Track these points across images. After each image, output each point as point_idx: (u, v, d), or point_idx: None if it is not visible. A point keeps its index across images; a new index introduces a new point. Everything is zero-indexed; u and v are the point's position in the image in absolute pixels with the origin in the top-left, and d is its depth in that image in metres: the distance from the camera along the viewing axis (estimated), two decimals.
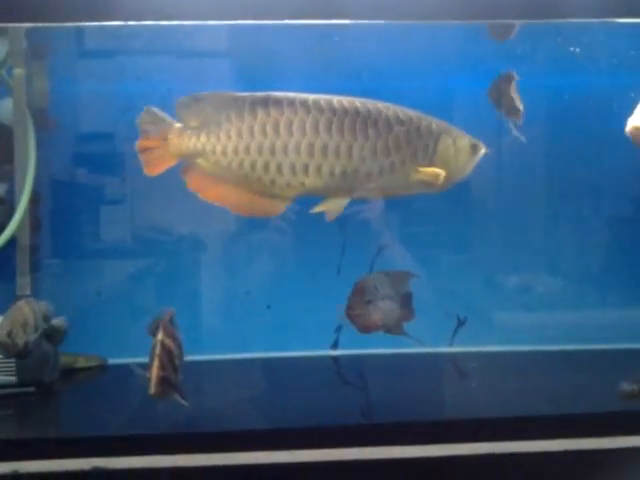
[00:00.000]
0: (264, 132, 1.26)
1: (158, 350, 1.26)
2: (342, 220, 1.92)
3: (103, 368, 1.83)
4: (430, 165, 1.33)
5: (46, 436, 1.37)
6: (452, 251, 2.03)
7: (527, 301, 2.04)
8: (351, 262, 1.76)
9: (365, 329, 1.52)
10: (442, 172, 1.34)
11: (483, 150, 1.41)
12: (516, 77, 1.46)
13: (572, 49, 1.82)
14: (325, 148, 1.27)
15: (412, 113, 1.32)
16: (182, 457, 1.30)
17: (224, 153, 1.28)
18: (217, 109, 1.29)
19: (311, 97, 1.30)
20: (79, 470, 1.27)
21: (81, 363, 1.79)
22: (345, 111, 1.29)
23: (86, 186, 1.93)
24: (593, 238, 2.06)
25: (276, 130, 1.26)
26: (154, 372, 1.23)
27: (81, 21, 1.50)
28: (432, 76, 1.87)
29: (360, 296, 1.48)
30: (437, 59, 1.85)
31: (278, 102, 1.28)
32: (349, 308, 1.48)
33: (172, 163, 1.36)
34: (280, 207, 1.35)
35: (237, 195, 1.33)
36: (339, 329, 1.88)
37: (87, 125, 1.95)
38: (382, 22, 1.35)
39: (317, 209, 1.38)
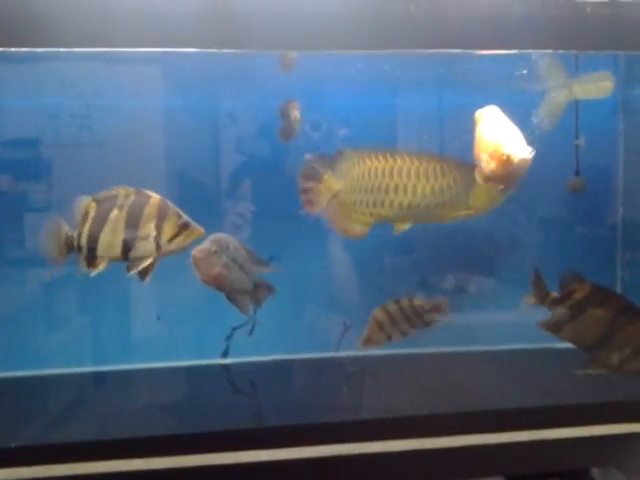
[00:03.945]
0: (365, 177, 1.73)
1: None
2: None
3: None
4: (466, 203, 1.73)
5: None
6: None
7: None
8: None
9: (205, 278, 1.54)
10: (471, 212, 1.75)
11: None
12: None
13: None
14: (396, 187, 1.71)
15: (455, 161, 1.75)
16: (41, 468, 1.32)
17: (347, 193, 1.75)
18: (346, 162, 1.75)
19: (388, 152, 1.74)
20: None
21: None
22: (412, 161, 1.72)
23: None
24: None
25: (372, 176, 1.72)
26: None
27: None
28: None
29: (210, 244, 1.53)
30: None
31: (370, 157, 1.74)
32: (195, 250, 1.52)
33: (324, 203, 1.77)
34: (365, 231, 1.78)
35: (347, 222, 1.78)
36: (229, 337, 1.90)
37: None
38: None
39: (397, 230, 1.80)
